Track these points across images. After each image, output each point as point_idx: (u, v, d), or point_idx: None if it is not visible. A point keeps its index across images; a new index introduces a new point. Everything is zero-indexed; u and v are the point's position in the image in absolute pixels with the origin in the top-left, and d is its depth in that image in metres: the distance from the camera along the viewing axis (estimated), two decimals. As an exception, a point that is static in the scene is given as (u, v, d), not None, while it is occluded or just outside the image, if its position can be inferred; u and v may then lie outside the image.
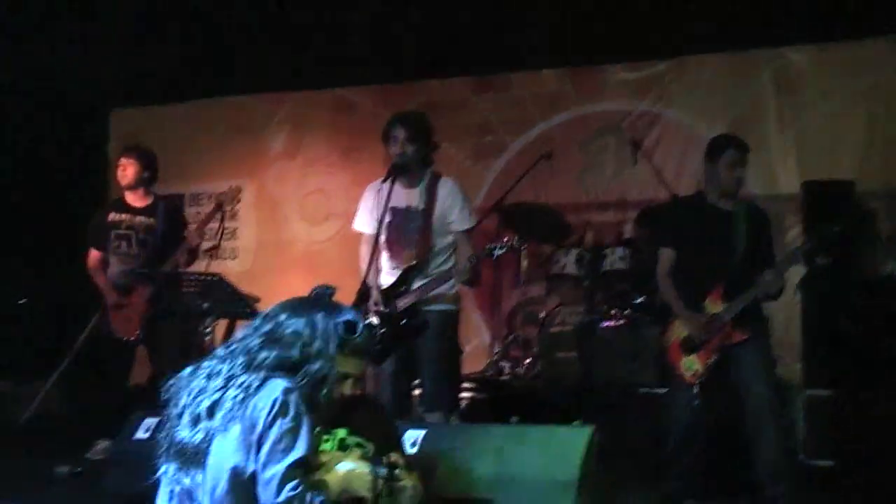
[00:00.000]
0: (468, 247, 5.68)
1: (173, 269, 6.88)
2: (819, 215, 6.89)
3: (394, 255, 5.79)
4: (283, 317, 3.42)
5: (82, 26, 8.64)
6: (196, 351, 6.61)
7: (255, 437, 3.11)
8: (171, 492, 3.26)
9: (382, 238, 5.76)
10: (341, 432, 3.48)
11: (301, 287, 3.59)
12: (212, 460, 3.15)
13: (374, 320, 5.60)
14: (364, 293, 5.43)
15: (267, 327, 3.41)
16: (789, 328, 7.21)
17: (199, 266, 7.24)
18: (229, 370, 3.28)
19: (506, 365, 7.76)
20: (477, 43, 8.73)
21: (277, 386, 3.18)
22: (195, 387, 3.32)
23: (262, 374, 3.23)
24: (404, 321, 5.59)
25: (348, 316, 3.44)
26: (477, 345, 8.58)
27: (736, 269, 5.45)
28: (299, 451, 3.11)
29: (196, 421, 3.22)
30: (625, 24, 8.20)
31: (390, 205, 5.63)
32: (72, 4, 8.45)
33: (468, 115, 9.22)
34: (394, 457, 3.45)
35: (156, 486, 3.32)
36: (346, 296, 5.15)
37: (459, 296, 5.83)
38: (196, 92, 9.89)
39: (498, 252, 5.46)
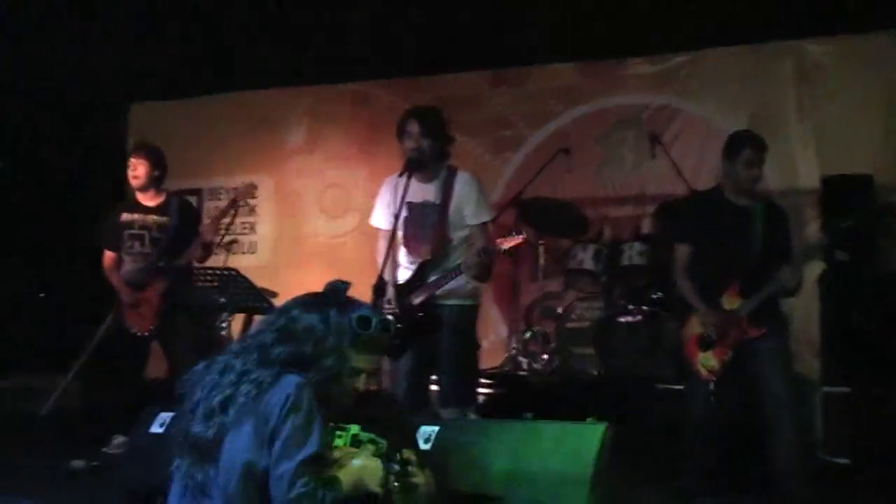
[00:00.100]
0: (483, 241, 5.63)
1: (188, 265, 6.90)
2: (837, 210, 6.84)
3: (411, 251, 5.78)
4: (296, 312, 3.43)
5: (101, 21, 8.66)
6: (212, 345, 6.64)
7: (267, 432, 3.12)
8: (185, 486, 3.27)
9: (399, 233, 5.76)
10: (354, 428, 3.48)
11: (319, 281, 3.58)
12: (225, 455, 3.16)
13: (390, 316, 5.60)
14: (380, 288, 5.40)
15: (280, 322, 3.42)
16: (808, 324, 7.17)
17: (217, 261, 7.26)
18: (243, 365, 3.29)
19: (523, 360, 7.74)
20: (495, 36, 8.72)
21: (290, 382, 3.19)
22: (209, 382, 3.33)
23: (275, 370, 3.24)
24: (419, 316, 5.58)
25: (362, 311, 3.44)
26: (494, 340, 8.55)
27: (753, 265, 5.43)
28: (312, 447, 3.11)
29: (209, 416, 3.23)
30: (643, 17, 8.16)
31: (406, 200, 5.62)
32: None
33: (486, 109, 9.19)
34: (407, 453, 3.45)
35: (170, 480, 3.33)
36: (363, 290, 5.19)
37: (478, 290, 5.81)
38: (215, 86, 9.89)
39: (507, 247, 5.43)
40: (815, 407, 6.53)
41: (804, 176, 7.92)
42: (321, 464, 3.17)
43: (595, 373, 7.30)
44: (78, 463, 6.04)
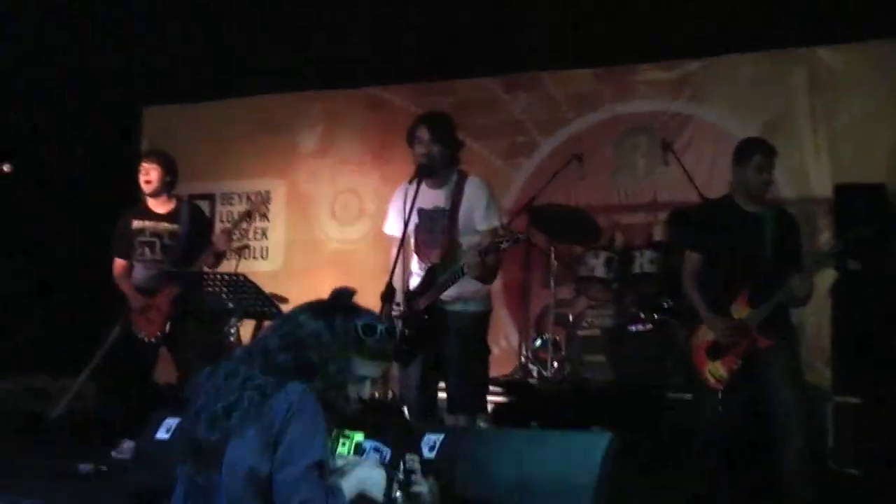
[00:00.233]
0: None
1: (198, 271, 6.89)
2: (850, 219, 6.82)
3: (422, 257, 5.77)
4: (301, 319, 3.42)
5: (114, 23, 8.68)
6: (220, 351, 6.64)
7: (271, 438, 3.11)
8: (187, 491, 3.27)
9: (412, 240, 5.76)
10: (358, 435, 3.49)
11: (331, 287, 3.55)
12: (228, 461, 3.15)
13: (398, 322, 5.59)
14: (388, 295, 5.38)
15: (285, 329, 3.41)
16: (819, 333, 7.16)
17: (228, 266, 7.26)
18: (247, 372, 3.28)
19: (534, 367, 7.73)
20: (509, 41, 8.72)
21: (295, 388, 3.18)
22: (213, 387, 3.32)
23: (279, 376, 3.23)
24: (425, 319, 5.56)
25: (367, 318, 3.43)
26: (505, 347, 8.56)
27: (763, 274, 5.41)
28: (315, 454, 3.10)
29: (213, 421, 3.22)
30: (658, 24, 8.15)
31: (417, 206, 5.61)
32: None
33: (500, 114, 9.20)
34: (410, 461, 3.44)
35: (174, 485, 3.33)
36: (375, 296, 5.21)
37: (488, 296, 5.78)
38: (228, 90, 9.90)
39: (504, 245, 5.40)
40: (825, 416, 6.49)
41: (817, 184, 7.90)
42: (324, 471, 3.16)
43: (605, 381, 7.27)
44: (85, 467, 6.04)
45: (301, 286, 7.87)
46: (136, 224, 6.97)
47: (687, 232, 6.26)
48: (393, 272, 5.48)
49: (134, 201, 7.55)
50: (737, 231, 5.54)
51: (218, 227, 7.55)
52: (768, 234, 5.49)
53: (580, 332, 7.57)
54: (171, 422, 4.60)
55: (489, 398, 7.05)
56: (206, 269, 6.93)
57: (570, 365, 7.51)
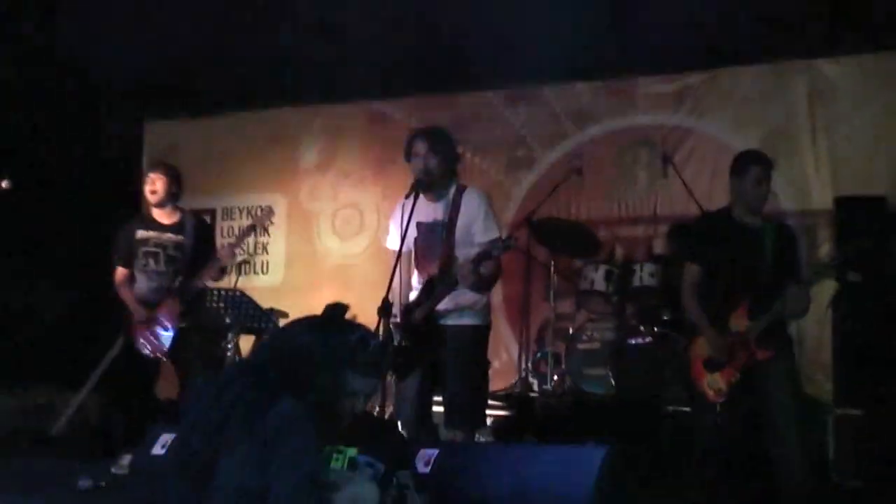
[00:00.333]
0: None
1: (201, 286, 6.88)
2: (850, 231, 6.81)
3: (421, 271, 5.76)
4: (294, 334, 3.42)
5: (116, 38, 8.70)
6: (220, 366, 6.63)
7: (262, 454, 3.11)
8: (180, 508, 3.26)
9: (412, 255, 5.76)
10: (351, 451, 3.47)
11: (332, 302, 3.56)
12: (219, 477, 3.15)
13: (395, 336, 5.58)
14: (385, 309, 5.37)
15: (278, 344, 3.42)
16: (820, 346, 7.14)
17: (228, 280, 7.25)
18: (240, 387, 3.28)
19: (534, 381, 7.71)
20: (509, 55, 8.72)
21: (287, 404, 3.18)
22: (206, 403, 3.32)
23: (272, 391, 3.23)
24: (422, 332, 5.55)
25: (360, 333, 3.43)
26: (506, 360, 8.55)
27: (761, 286, 5.39)
28: (307, 469, 3.10)
29: (204, 437, 3.22)
30: (658, 37, 8.15)
31: (416, 219, 5.61)
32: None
33: (500, 128, 9.20)
34: (403, 477, 3.44)
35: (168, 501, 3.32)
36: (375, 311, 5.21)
37: (487, 309, 5.77)
38: (229, 105, 9.92)
39: (496, 253, 5.40)
40: (827, 429, 6.47)
41: (817, 196, 7.89)
42: (317, 486, 3.15)
43: (606, 394, 7.25)
44: (85, 482, 6.03)
45: (302, 301, 7.87)
46: (141, 234, 6.95)
47: (686, 244, 6.25)
48: (390, 286, 5.46)
49: (133, 216, 7.56)
50: (735, 243, 5.52)
51: (219, 241, 7.51)
52: (767, 246, 5.47)
53: (580, 346, 7.54)
54: (167, 437, 4.59)
55: (489, 412, 7.05)
56: (209, 282, 6.92)
57: (570, 378, 7.49)
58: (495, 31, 8.52)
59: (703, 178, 8.08)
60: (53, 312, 9.62)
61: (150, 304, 6.85)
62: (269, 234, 9.74)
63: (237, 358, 6.87)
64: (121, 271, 7.02)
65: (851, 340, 6.72)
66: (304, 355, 3.32)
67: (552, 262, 7.86)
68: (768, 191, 5.56)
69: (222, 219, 9.84)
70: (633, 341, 7.24)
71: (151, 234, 6.95)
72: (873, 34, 7.63)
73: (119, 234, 7.12)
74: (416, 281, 5.79)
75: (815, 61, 8.10)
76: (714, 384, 5.39)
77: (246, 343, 7.20)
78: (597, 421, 6.77)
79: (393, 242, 5.85)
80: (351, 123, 9.83)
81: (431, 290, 5.61)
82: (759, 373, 5.31)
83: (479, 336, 5.70)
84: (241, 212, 9.90)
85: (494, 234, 5.63)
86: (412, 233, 5.65)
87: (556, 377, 7.60)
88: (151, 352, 6.80)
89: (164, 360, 6.86)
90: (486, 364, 5.95)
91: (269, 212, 7.37)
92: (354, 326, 3.47)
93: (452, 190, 5.72)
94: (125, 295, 6.97)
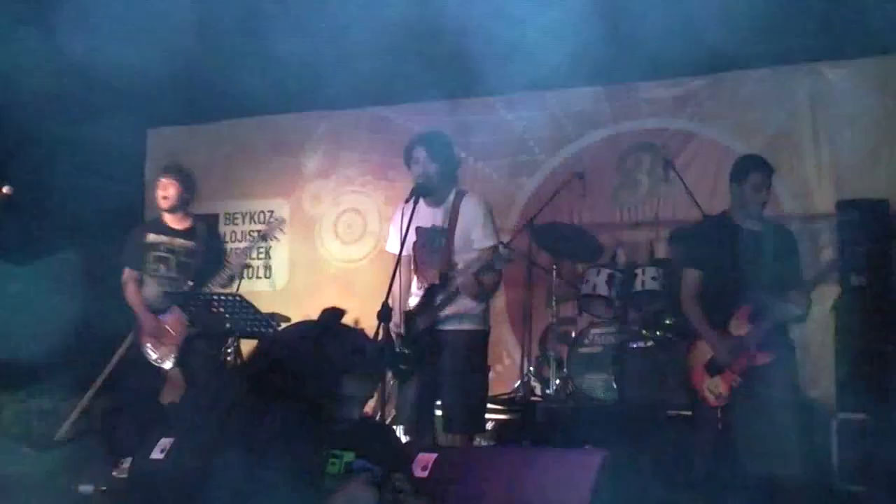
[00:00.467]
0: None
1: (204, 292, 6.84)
2: (853, 235, 6.80)
3: (420, 276, 5.78)
4: (290, 338, 3.42)
5: (117, 45, 8.70)
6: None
7: (257, 460, 3.10)
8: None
9: (412, 259, 5.77)
10: (348, 455, 3.45)
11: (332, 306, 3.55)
12: (214, 482, 3.14)
13: (396, 341, 5.59)
14: (384, 314, 5.37)
15: (273, 350, 3.41)
16: (824, 350, 7.12)
17: (231, 285, 7.24)
18: (235, 393, 3.28)
19: (536, 385, 7.71)
20: (512, 60, 8.71)
21: (282, 409, 3.17)
22: (202, 409, 3.32)
23: (266, 397, 3.22)
24: (425, 341, 5.56)
25: (355, 338, 3.43)
26: (509, 365, 8.55)
27: (762, 291, 5.39)
28: (300, 476, 3.09)
29: (200, 442, 3.23)
30: (660, 41, 8.13)
31: (416, 224, 5.62)
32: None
33: (503, 133, 9.16)
34: (400, 481, 3.42)
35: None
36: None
37: (486, 315, 5.77)
38: (231, 111, 9.92)
39: (499, 265, 5.42)
40: (830, 433, 6.46)
41: (820, 201, 7.86)
42: (311, 493, 3.15)
43: (607, 398, 7.24)
44: (87, 487, 6.04)
45: (304, 305, 7.85)
46: (152, 238, 6.93)
47: (686, 249, 6.25)
48: (389, 291, 5.46)
49: (139, 221, 7.55)
50: (735, 248, 5.54)
51: (232, 254, 7.43)
52: (767, 250, 5.49)
53: (582, 350, 7.52)
54: (167, 442, 4.59)
55: (491, 416, 7.05)
56: (216, 289, 6.89)
57: (572, 383, 7.48)
58: (497, 37, 8.51)
59: (705, 183, 8.05)
60: (57, 318, 9.62)
61: (158, 311, 6.81)
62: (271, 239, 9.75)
63: (239, 362, 6.85)
64: (129, 274, 6.99)
65: (854, 344, 6.70)
66: (300, 360, 3.32)
67: (554, 267, 7.85)
68: (768, 195, 5.57)
69: (225, 224, 9.82)
70: (635, 345, 7.22)
71: (163, 238, 6.93)
72: (876, 38, 7.60)
73: (129, 237, 7.11)
74: (415, 286, 5.80)
75: (817, 65, 8.07)
76: (715, 388, 5.40)
77: (247, 348, 7.19)
78: (599, 425, 6.75)
79: (393, 246, 5.86)
80: (353, 129, 9.81)
81: (432, 297, 5.61)
82: (760, 377, 5.32)
83: (477, 341, 5.71)
84: (243, 217, 9.91)
85: (493, 241, 5.67)
86: (411, 237, 5.66)
87: (558, 381, 7.59)
88: (158, 358, 6.77)
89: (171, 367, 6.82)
90: (485, 369, 5.96)
91: (281, 222, 7.34)
92: (350, 331, 3.47)
93: (452, 195, 5.73)
94: (133, 300, 6.94)
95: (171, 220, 6.99)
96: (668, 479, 5.83)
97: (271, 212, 7.81)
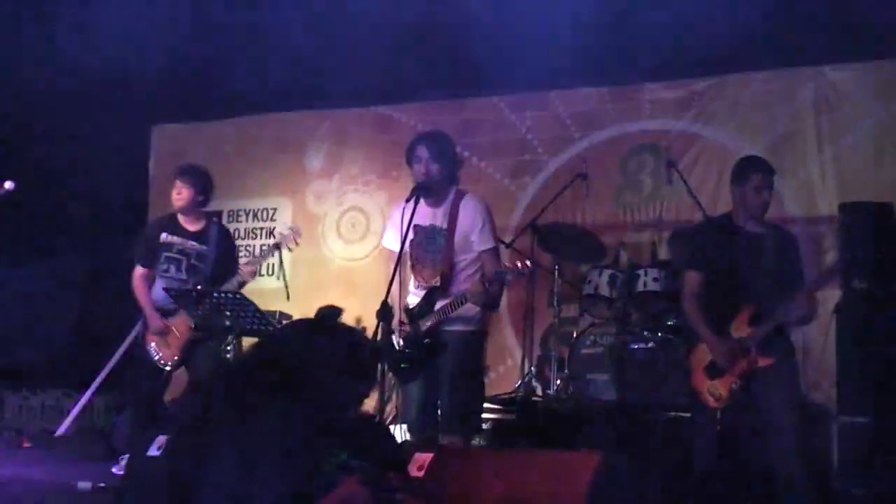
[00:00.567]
0: (493, 266, 5.62)
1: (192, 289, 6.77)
2: (856, 238, 6.77)
3: (417, 274, 5.78)
4: (286, 337, 3.42)
5: (122, 42, 8.72)
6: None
7: (253, 460, 3.10)
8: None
9: (409, 257, 5.76)
10: (343, 454, 3.45)
11: (337, 305, 3.54)
12: (208, 481, 3.14)
13: (399, 340, 5.59)
14: (384, 313, 5.36)
15: (269, 348, 3.41)
16: (825, 353, 7.09)
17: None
18: (230, 391, 3.28)
19: (538, 386, 7.70)
20: (516, 60, 8.71)
21: (278, 409, 3.17)
22: (197, 407, 3.32)
23: (261, 396, 3.21)
24: (427, 342, 5.55)
25: (352, 337, 3.42)
26: (510, 365, 8.54)
27: (763, 293, 5.38)
28: (293, 475, 3.09)
29: (195, 441, 3.22)
30: (664, 43, 8.13)
31: (414, 223, 5.61)
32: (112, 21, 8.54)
33: (506, 133, 9.18)
34: (396, 480, 3.42)
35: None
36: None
37: (483, 316, 5.76)
38: (235, 109, 9.93)
39: (510, 279, 5.44)
40: (831, 437, 6.45)
41: (823, 203, 7.84)
42: (303, 493, 3.14)
43: (608, 399, 7.23)
44: (85, 484, 6.05)
45: (307, 304, 7.81)
46: (165, 237, 6.86)
47: (686, 251, 6.24)
48: (389, 290, 5.45)
49: (144, 220, 7.53)
50: (736, 250, 5.52)
51: (245, 263, 7.33)
52: (768, 253, 5.46)
53: (584, 351, 7.51)
54: (164, 439, 4.59)
55: (492, 416, 7.05)
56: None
57: (573, 383, 7.47)
58: (502, 37, 8.51)
59: (708, 185, 8.06)
60: (61, 316, 9.66)
61: (165, 312, 6.76)
62: (274, 236, 9.72)
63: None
64: (140, 271, 6.93)
65: (856, 348, 6.67)
66: (296, 359, 3.31)
67: (556, 267, 7.84)
68: (770, 197, 5.54)
69: (228, 221, 9.79)
70: (636, 346, 7.22)
71: (176, 239, 6.84)
72: (880, 41, 7.59)
73: (143, 233, 7.08)
74: (413, 284, 5.80)
75: (821, 68, 8.04)
76: (715, 391, 5.38)
77: (248, 346, 7.18)
78: (599, 426, 6.75)
79: (389, 241, 5.89)
80: (357, 128, 9.82)
81: (432, 300, 5.62)
82: (760, 380, 5.31)
83: (474, 342, 5.71)
84: (246, 215, 9.93)
85: (493, 243, 5.70)
86: (409, 236, 5.65)
87: (559, 382, 7.58)
88: (160, 360, 6.73)
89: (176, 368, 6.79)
90: (482, 370, 5.96)
91: (297, 231, 7.26)
92: (347, 330, 3.46)
93: (451, 195, 5.72)
94: (143, 299, 6.86)
95: (185, 221, 6.93)
96: (668, 481, 5.84)
97: (297, 226, 7.74)
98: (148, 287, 6.90)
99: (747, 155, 6.03)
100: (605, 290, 7.39)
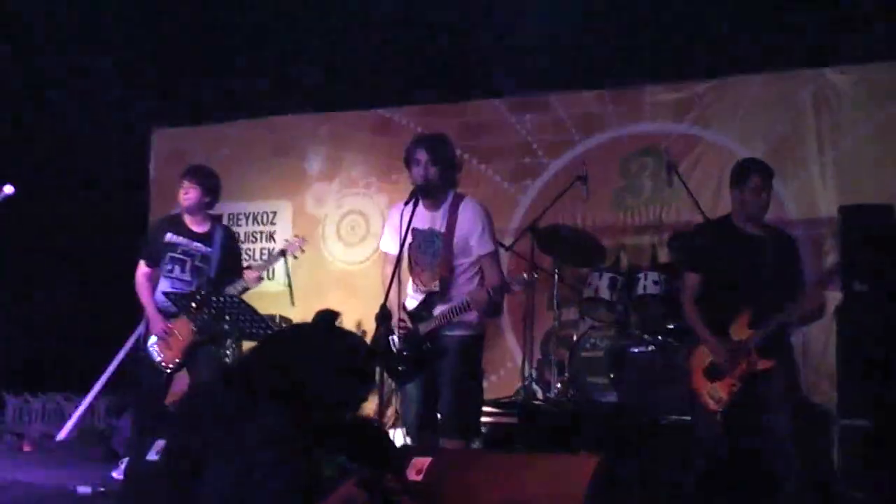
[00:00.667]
0: (493, 270, 5.61)
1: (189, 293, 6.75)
2: (856, 240, 6.77)
3: (415, 277, 5.77)
4: (283, 340, 3.41)
5: (123, 46, 8.74)
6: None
7: (249, 463, 3.09)
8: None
9: (406, 260, 5.75)
10: (341, 458, 3.45)
11: (337, 308, 3.52)
12: (205, 484, 3.13)
13: (398, 342, 5.57)
14: (383, 316, 5.35)
15: (267, 351, 3.40)
16: (826, 355, 7.09)
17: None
18: (228, 395, 3.27)
19: (538, 389, 7.68)
20: (516, 63, 8.72)
21: (274, 412, 3.16)
22: (194, 411, 3.31)
23: (257, 400, 3.21)
24: (426, 347, 5.54)
25: (349, 340, 3.42)
26: (510, 368, 8.52)
27: (762, 295, 5.37)
28: (288, 480, 3.08)
29: (192, 444, 3.21)
30: (665, 45, 8.13)
31: (412, 226, 5.59)
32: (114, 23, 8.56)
33: (507, 136, 9.16)
34: (393, 484, 3.42)
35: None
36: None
37: (479, 320, 5.74)
38: (235, 112, 9.93)
39: (516, 288, 5.44)
40: (832, 439, 6.44)
41: (823, 205, 7.84)
42: (299, 496, 3.13)
43: (608, 403, 7.22)
44: (84, 488, 6.04)
45: (306, 307, 7.81)
46: (170, 237, 6.81)
47: (686, 253, 6.24)
48: (388, 293, 5.44)
49: (145, 223, 7.51)
50: (736, 252, 5.52)
51: (250, 269, 7.31)
52: (768, 255, 5.45)
53: (584, 354, 7.50)
54: (162, 443, 4.57)
55: (492, 419, 7.04)
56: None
57: (573, 387, 7.46)
58: (502, 39, 8.52)
59: (708, 187, 8.05)
60: (62, 318, 9.66)
61: (167, 313, 6.74)
62: (275, 240, 9.73)
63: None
64: (144, 269, 6.89)
65: (856, 350, 6.66)
66: (294, 362, 3.31)
67: (556, 270, 7.82)
68: (769, 199, 5.53)
69: (228, 224, 9.79)
70: (636, 349, 7.20)
71: (181, 240, 6.79)
72: (880, 43, 7.59)
73: (149, 231, 7.06)
74: (411, 287, 5.78)
75: (821, 70, 8.04)
76: (714, 393, 5.37)
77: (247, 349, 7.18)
78: (599, 429, 6.74)
79: (387, 244, 5.88)
80: (357, 131, 9.80)
81: (432, 304, 5.61)
82: (760, 382, 5.30)
83: (472, 346, 5.68)
84: (246, 218, 9.92)
85: (492, 248, 5.67)
86: (408, 239, 5.63)
87: (559, 385, 7.57)
88: (165, 363, 6.70)
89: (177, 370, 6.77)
90: (479, 374, 5.93)
91: (303, 240, 7.25)
92: (344, 334, 3.46)
93: (450, 198, 5.70)
94: (146, 299, 6.81)
95: (191, 222, 6.88)
96: (667, 484, 5.84)
97: (274, 212, 7.74)
98: (151, 287, 6.86)
99: (747, 157, 6.00)
100: (605, 293, 7.38)
